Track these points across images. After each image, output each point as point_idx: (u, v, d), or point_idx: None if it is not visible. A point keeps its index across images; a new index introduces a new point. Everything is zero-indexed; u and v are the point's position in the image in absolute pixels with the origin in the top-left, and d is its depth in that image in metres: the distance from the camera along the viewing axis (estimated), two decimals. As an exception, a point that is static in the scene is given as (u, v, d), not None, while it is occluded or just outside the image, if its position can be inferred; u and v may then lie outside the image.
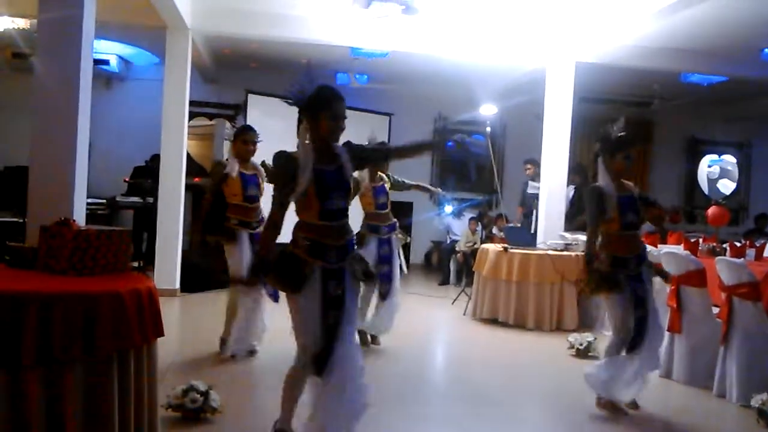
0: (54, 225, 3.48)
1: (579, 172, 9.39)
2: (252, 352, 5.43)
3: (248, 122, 10.03)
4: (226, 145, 7.40)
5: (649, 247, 5.97)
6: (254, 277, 3.56)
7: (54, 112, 4.37)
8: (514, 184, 11.77)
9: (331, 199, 3.19)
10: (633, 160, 4.49)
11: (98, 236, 3.43)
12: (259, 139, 5.42)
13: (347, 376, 3.19)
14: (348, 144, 3.40)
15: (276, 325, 5.71)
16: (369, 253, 5.62)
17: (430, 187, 6.88)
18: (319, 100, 3.23)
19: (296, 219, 3.28)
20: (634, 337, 4.39)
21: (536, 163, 9.18)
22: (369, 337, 5.95)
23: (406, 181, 6.18)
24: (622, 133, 4.46)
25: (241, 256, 5.25)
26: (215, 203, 5.30)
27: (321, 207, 3.16)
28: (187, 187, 8.15)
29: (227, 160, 5.39)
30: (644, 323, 4.40)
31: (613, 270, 4.37)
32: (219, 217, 5.30)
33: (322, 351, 3.18)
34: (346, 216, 3.32)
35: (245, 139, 5.34)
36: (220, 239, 5.30)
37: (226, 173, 5.23)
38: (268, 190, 5.29)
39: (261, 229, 5.28)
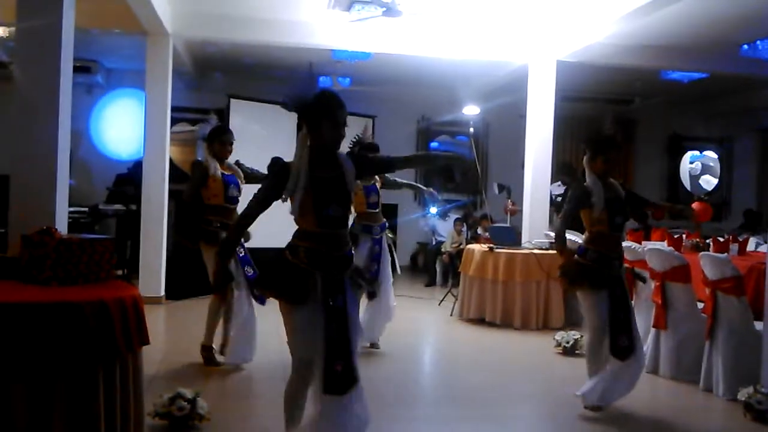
0: (36, 234, 3.45)
1: (567, 170, 9.44)
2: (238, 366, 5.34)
3: (230, 127, 10.04)
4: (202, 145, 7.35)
5: (633, 244, 6.04)
6: (223, 266, 3.62)
7: (34, 120, 4.33)
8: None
9: (329, 206, 3.08)
10: (613, 163, 4.52)
11: (81, 245, 3.40)
12: (233, 141, 5.37)
13: (353, 390, 3.09)
14: (352, 153, 3.34)
15: (260, 332, 5.71)
16: (361, 253, 5.61)
17: (421, 186, 6.88)
18: (321, 107, 3.11)
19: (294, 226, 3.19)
20: (629, 342, 4.40)
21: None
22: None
23: (398, 179, 6.14)
24: (605, 136, 4.55)
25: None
26: (193, 206, 5.22)
27: (318, 214, 3.06)
28: (171, 193, 8.10)
29: (206, 160, 5.26)
30: (631, 325, 4.45)
31: (597, 267, 4.41)
32: (197, 220, 5.22)
33: (344, 368, 3.05)
34: (346, 225, 3.23)
35: (223, 139, 5.28)
36: (200, 244, 5.20)
37: (209, 174, 5.15)
38: (246, 190, 5.28)
39: None
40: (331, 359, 3.02)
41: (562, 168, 9.73)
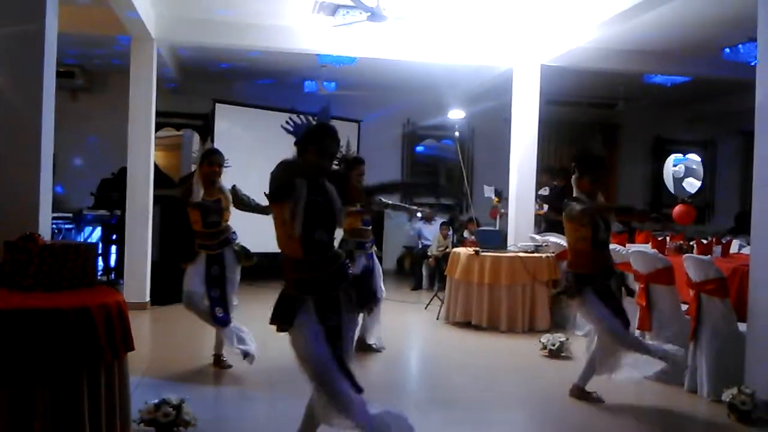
0: (19, 240, 3.44)
1: (553, 173, 9.49)
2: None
3: (215, 132, 10.04)
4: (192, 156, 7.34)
5: (617, 247, 6.08)
6: None
7: (17, 126, 4.30)
8: (483, 188, 11.84)
9: (316, 231, 3.12)
10: (600, 183, 4.70)
11: (64, 250, 3.38)
12: (227, 164, 5.33)
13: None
14: (337, 177, 3.35)
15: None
16: (357, 269, 5.69)
17: (407, 206, 6.95)
18: (311, 134, 3.14)
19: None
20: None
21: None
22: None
23: (383, 200, 6.18)
24: (593, 156, 4.74)
25: (191, 272, 5.23)
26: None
27: (305, 238, 3.08)
28: (155, 198, 8.07)
29: (193, 184, 5.24)
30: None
31: (578, 286, 4.62)
32: (188, 240, 5.35)
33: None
34: (332, 248, 3.24)
35: (211, 161, 5.24)
36: (187, 264, 5.29)
37: (188, 201, 5.16)
38: (233, 215, 5.33)
39: (225, 249, 5.33)
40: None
41: (549, 170, 9.78)
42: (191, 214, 5.26)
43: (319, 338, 3.07)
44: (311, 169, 3.13)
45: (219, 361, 5.43)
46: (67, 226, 9.28)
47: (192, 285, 5.21)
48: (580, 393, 4.79)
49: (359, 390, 3.11)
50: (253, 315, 7.14)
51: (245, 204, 5.37)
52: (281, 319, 3.14)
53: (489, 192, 9.26)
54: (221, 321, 5.20)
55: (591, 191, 4.66)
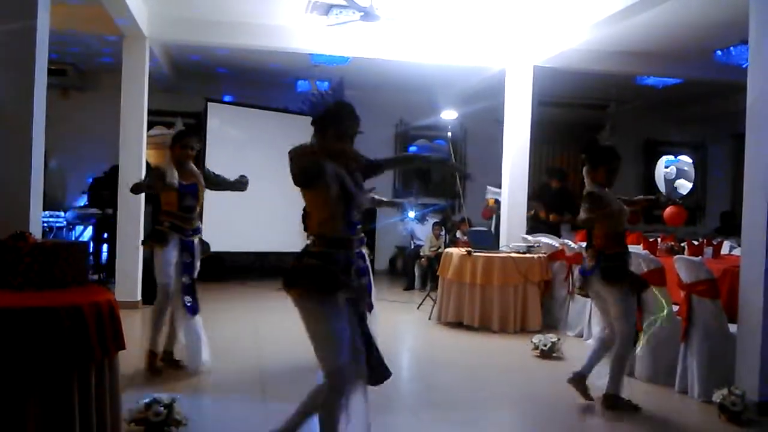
0: (9, 239, 3.42)
1: (551, 174, 9.52)
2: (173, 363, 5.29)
3: (208, 130, 10.01)
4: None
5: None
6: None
7: (8, 124, 4.29)
8: (476, 189, 11.86)
9: (352, 211, 3.07)
10: (616, 173, 4.62)
11: (55, 249, 3.37)
12: (196, 146, 5.25)
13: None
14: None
15: (229, 337, 5.67)
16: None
17: (395, 200, 6.91)
18: (330, 114, 3.05)
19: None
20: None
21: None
22: None
23: (376, 197, 6.13)
24: (605, 146, 4.64)
25: (165, 261, 5.08)
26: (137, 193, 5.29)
27: (347, 219, 3.03)
28: (147, 197, 8.03)
29: (165, 167, 5.11)
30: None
31: (622, 263, 4.57)
32: (153, 222, 5.22)
33: (377, 361, 3.14)
34: (360, 233, 3.19)
35: (184, 143, 5.17)
36: (151, 244, 5.15)
37: (164, 182, 5.00)
38: (207, 197, 5.22)
39: (195, 238, 5.24)
40: (370, 353, 3.11)
41: (552, 171, 9.82)
42: (165, 196, 5.13)
43: (345, 326, 3.01)
44: (332, 155, 3.02)
45: (172, 360, 5.29)
46: (58, 224, 9.24)
47: (166, 276, 5.07)
48: (579, 381, 4.72)
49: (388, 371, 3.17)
50: (248, 315, 7.14)
51: (219, 183, 5.34)
52: (322, 287, 2.96)
53: (494, 194, 9.28)
54: (191, 309, 5.11)
55: (606, 182, 4.58)
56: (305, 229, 3.12)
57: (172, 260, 5.09)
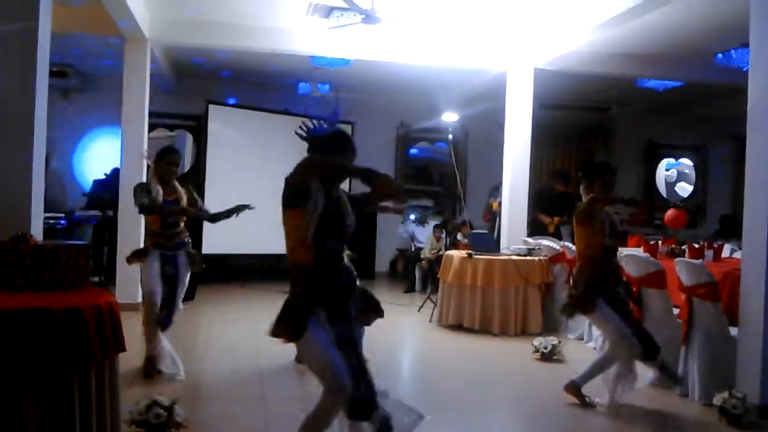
0: (10, 240, 3.42)
1: (561, 178, 9.53)
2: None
3: (209, 133, 10.02)
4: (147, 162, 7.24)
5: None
6: None
7: (9, 125, 4.29)
8: (477, 191, 11.87)
9: (329, 239, 3.04)
10: (611, 187, 4.66)
11: (56, 251, 3.37)
12: (250, 207, 5.22)
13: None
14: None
15: (229, 338, 5.66)
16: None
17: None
18: (329, 142, 3.09)
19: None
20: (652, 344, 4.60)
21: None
22: None
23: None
24: (599, 162, 4.70)
25: (149, 273, 5.10)
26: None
27: (317, 245, 3.01)
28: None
29: (150, 183, 5.14)
30: (645, 330, 4.69)
31: (588, 294, 4.58)
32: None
33: (364, 394, 3.04)
34: (342, 258, 3.16)
35: (170, 160, 5.18)
36: (134, 260, 5.19)
37: (156, 205, 5.02)
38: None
39: (180, 252, 5.21)
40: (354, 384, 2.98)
41: (558, 175, 9.82)
42: (149, 216, 5.17)
43: (334, 347, 2.98)
44: (332, 170, 3.06)
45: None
46: (59, 226, 9.25)
47: (153, 284, 5.08)
48: (575, 391, 4.75)
49: (375, 405, 3.07)
50: (248, 317, 7.16)
51: (200, 213, 5.33)
52: (291, 330, 3.00)
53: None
54: (163, 322, 5.11)
55: (602, 195, 4.62)
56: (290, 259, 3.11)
57: (156, 271, 5.11)
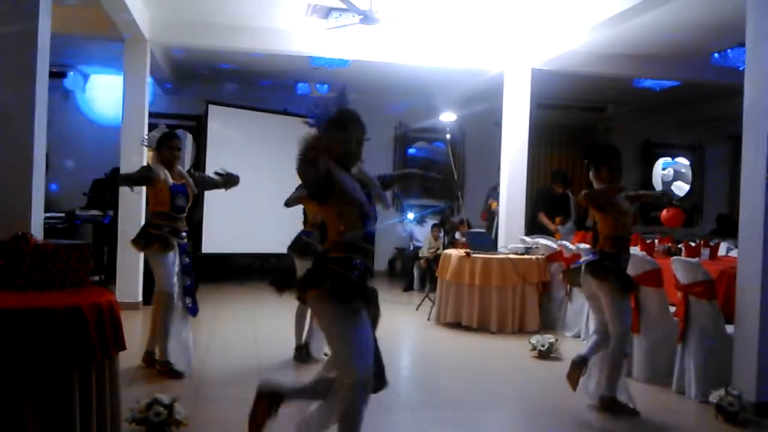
0: (11, 240, 3.44)
1: (561, 179, 9.55)
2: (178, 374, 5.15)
3: (208, 133, 10.03)
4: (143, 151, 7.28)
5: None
6: None
7: (10, 126, 4.31)
8: (475, 190, 11.90)
9: (368, 217, 3.03)
10: (618, 171, 4.59)
11: (56, 250, 3.40)
12: (181, 145, 5.29)
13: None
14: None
15: (229, 337, 5.66)
16: None
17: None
18: (335, 122, 3.02)
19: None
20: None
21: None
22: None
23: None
24: (603, 145, 4.67)
25: (167, 271, 5.08)
26: (114, 183, 5.18)
27: (364, 222, 2.98)
28: (148, 198, 8.05)
29: (152, 168, 5.13)
30: None
31: (615, 263, 4.55)
32: (146, 225, 5.25)
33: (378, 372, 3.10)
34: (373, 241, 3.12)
35: (172, 145, 5.19)
36: (151, 248, 5.12)
37: (159, 179, 5.03)
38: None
39: (186, 241, 5.25)
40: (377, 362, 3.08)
41: (557, 175, 9.85)
42: (159, 195, 5.11)
43: (369, 343, 3.02)
44: (341, 154, 3.00)
45: (151, 360, 5.26)
46: (59, 225, 9.26)
47: (171, 285, 5.08)
48: (611, 403, 4.57)
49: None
50: (248, 316, 7.18)
51: (206, 183, 5.38)
52: (346, 294, 2.93)
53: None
54: (192, 310, 5.14)
55: (612, 180, 4.56)
56: (321, 242, 3.10)
57: (174, 268, 5.12)
